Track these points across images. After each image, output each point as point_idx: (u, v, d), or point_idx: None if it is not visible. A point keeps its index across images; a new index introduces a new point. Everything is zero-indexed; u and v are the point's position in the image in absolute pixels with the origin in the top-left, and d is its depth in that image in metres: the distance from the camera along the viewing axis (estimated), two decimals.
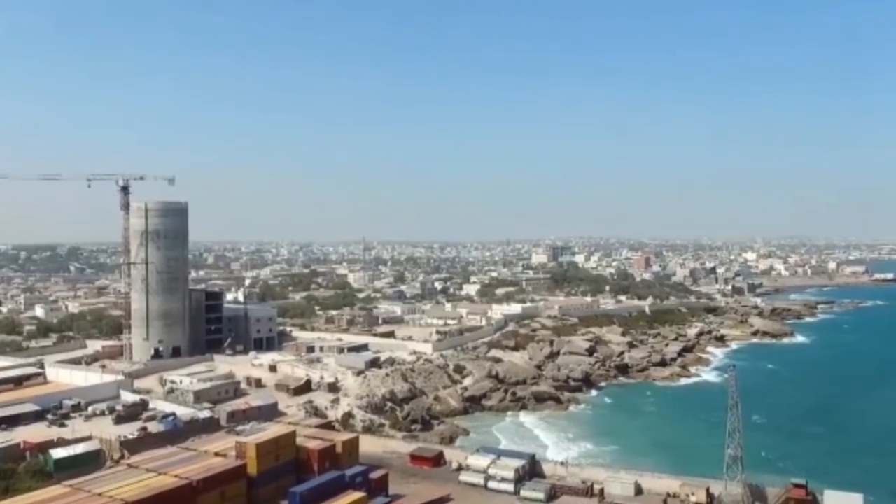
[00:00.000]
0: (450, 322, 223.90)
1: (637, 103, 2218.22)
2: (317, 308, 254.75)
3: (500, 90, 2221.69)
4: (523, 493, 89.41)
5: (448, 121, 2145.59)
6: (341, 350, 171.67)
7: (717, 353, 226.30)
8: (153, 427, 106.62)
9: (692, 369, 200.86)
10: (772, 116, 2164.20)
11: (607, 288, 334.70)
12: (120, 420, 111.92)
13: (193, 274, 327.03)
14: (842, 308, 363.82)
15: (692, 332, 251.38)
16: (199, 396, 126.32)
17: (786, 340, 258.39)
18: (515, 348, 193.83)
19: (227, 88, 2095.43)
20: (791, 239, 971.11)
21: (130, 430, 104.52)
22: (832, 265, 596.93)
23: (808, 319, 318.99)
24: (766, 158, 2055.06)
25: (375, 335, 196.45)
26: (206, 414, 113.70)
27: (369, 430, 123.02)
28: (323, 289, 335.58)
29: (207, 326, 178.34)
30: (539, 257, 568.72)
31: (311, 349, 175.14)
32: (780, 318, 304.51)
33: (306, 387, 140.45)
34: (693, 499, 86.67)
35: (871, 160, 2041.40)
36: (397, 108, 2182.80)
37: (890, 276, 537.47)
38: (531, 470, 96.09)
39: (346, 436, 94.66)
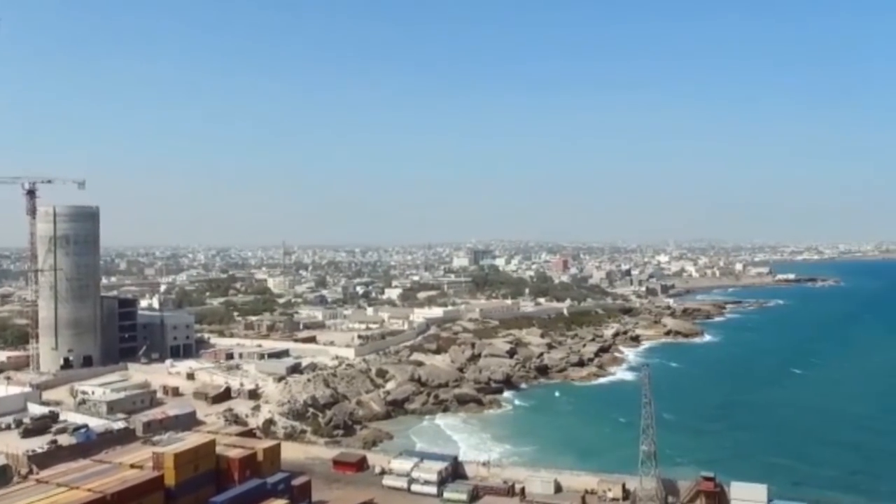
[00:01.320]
0: (372, 326, 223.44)
1: (553, 109, 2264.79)
2: (236, 314, 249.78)
3: (423, 94, 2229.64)
4: (446, 494, 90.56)
5: (368, 124, 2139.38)
6: (261, 356, 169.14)
7: (632, 353, 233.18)
8: (64, 440, 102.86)
9: (608, 369, 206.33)
10: (682, 123, 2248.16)
11: (527, 290, 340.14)
12: (28, 433, 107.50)
13: (105, 280, 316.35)
14: (748, 307, 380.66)
15: (608, 332, 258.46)
16: (113, 407, 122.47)
17: (696, 339, 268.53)
18: (437, 351, 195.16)
19: (137, 91, 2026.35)
20: (701, 241, 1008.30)
21: (39, 444, 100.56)
22: (739, 267, 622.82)
23: (717, 319, 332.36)
24: (676, 164, 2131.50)
25: (296, 341, 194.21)
26: (120, 425, 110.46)
27: (291, 436, 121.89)
28: (242, 294, 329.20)
29: (121, 334, 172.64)
30: (460, 261, 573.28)
31: (230, 356, 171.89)
32: (691, 318, 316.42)
33: (225, 394, 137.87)
34: (610, 494, 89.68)
35: (773, 166, 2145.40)
36: (315, 109, 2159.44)
37: (791, 276, 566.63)
38: (454, 471, 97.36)
39: (268, 443, 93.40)
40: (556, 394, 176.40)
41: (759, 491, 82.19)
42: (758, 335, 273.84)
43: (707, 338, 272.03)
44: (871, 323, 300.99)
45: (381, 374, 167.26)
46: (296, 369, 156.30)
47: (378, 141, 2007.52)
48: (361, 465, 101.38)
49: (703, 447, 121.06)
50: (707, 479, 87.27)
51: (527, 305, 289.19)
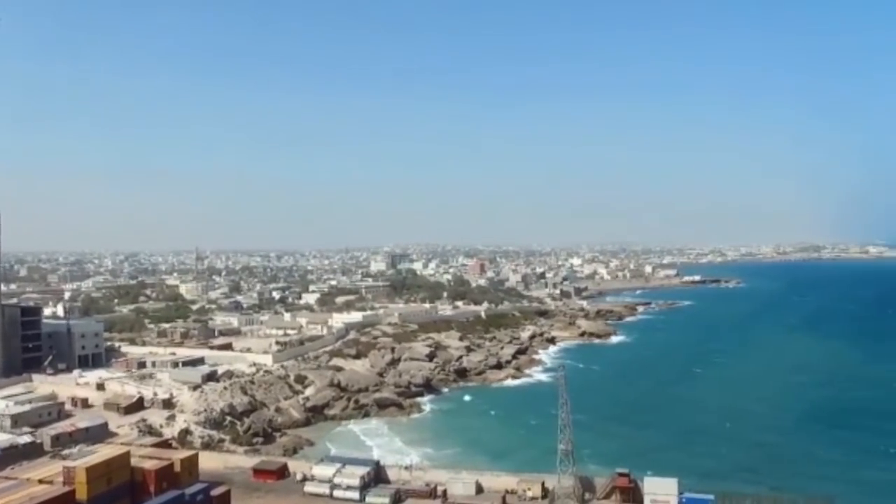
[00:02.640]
0: (290, 332, 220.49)
1: (466, 115, 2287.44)
2: (147, 321, 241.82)
3: (335, 95, 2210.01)
4: (369, 499, 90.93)
5: (281, 126, 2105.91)
6: (176, 364, 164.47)
7: (548, 354, 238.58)
8: None
9: (526, 370, 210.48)
10: (590, 129, 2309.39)
11: (445, 294, 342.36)
12: None
13: (4, 288, 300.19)
14: (657, 308, 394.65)
15: (525, 334, 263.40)
16: (18, 420, 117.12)
17: (609, 340, 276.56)
18: (357, 356, 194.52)
19: (31, 89, 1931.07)
20: (612, 245, 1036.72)
21: None
22: (648, 269, 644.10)
23: (629, 319, 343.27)
24: (588, 169, 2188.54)
25: (212, 348, 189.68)
26: (26, 439, 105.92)
27: (209, 446, 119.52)
28: (153, 301, 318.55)
29: (24, 344, 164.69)
30: (378, 265, 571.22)
31: (142, 365, 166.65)
32: (604, 320, 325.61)
33: (138, 404, 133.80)
34: (530, 493, 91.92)
35: (680, 170, 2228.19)
36: (226, 110, 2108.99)
37: (697, 278, 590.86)
38: (376, 476, 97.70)
39: (185, 453, 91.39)
40: (477, 396, 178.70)
41: (669, 485, 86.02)
42: (666, 335, 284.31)
43: (619, 338, 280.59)
44: (769, 322, 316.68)
45: (300, 380, 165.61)
46: (212, 377, 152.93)
47: (292, 144, 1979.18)
48: (282, 472, 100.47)
49: (618, 445, 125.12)
50: (622, 474, 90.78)
51: (445, 309, 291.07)
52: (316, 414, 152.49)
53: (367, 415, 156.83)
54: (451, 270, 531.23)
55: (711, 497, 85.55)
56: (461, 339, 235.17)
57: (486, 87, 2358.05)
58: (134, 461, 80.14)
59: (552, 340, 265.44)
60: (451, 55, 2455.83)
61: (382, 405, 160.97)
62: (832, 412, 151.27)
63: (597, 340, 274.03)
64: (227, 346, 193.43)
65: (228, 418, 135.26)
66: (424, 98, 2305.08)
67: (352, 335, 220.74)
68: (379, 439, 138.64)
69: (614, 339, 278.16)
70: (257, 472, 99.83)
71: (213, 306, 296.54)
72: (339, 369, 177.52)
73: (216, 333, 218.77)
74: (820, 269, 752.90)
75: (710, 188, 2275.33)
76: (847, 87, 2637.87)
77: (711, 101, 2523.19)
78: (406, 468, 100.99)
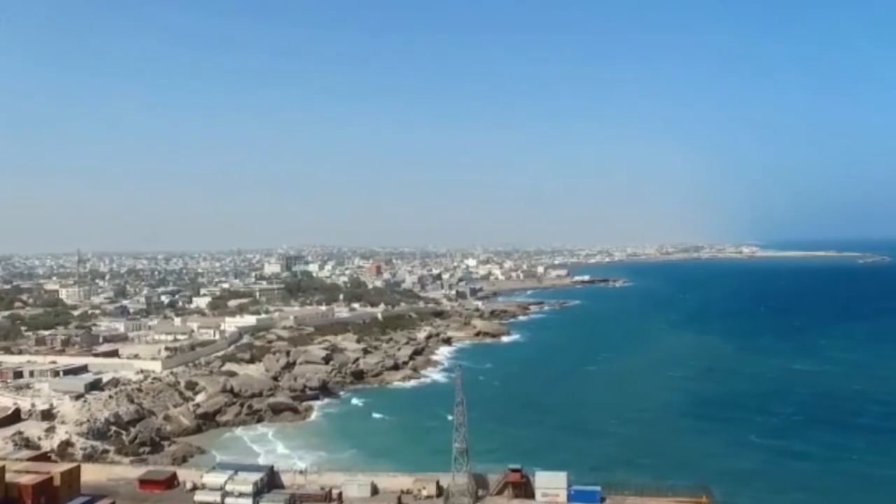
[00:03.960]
0: (180, 337, 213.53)
1: (357, 114, 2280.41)
2: (24, 328, 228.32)
3: (224, 93, 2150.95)
4: None
5: (170, 121, 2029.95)
6: (56, 373, 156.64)
7: (444, 355, 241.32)
8: None
9: (423, 371, 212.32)
10: (481, 131, 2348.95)
11: (341, 296, 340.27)
12: None
13: None
14: (549, 307, 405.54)
15: (422, 335, 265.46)
16: None
17: (503, 339, 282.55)
18: (251, 361, 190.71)
19: None
20: (506, 246, 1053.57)
21: None
22: (540, 269, 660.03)
23: (522, 319, 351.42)
24: (480, 170, 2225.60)
25: (96, 355, 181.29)
26: None
27: (91, 457, 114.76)
28: (30, 307, 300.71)
29: None
30: (272, 267, 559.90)
31: (18, 374, 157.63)
32: (498, 319, 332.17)
33: (14, 416, 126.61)
34: (425, 493, 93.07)
35: (571, 171, 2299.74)
36: (109, 105, 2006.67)
37: (587, 277, 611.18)
38: (270, 482, 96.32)
39: (65, 466, 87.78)
40: (374, 397, 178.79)
41: (559, 478, 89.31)
42: (557, 333, 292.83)
43: (513, 337, 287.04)
44: (653, 319, 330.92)
45: (191, 386, 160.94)
46: (96, 386, 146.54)
47: (177, 140, 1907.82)
48: (171, 482, 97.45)
49: (511, 441, 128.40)
50: (514, 470, 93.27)
51: (342, 311, 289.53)
52: (207, 421, 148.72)
53: (261, 420, 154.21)
54: (347, 272, 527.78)
55: (598, 488, 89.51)
56: (358, 341, 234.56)
57: (375, 85, 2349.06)
58: (9, 476, 76.56)
59: (448, 341, 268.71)
60: (341, 54, 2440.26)
61: (277, 410, 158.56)
62: (708, 405, 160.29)
63: (491, 340, 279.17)
64: (113, 353, 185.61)
65: (113, 428, 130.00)
66: (318, 93, 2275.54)
67: (245, 339, 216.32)
68: (273, 444, 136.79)
69: (508, 339, 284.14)
70: (144, 482, 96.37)
71: (97, 312, 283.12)
72: (232, 374, 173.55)
73: (101, 340, 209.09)
74: (699, 268, 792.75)
75: (600, 190, 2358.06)
76: (729, 98, 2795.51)
77: (609, 105, 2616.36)
78: (301, 472, 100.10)
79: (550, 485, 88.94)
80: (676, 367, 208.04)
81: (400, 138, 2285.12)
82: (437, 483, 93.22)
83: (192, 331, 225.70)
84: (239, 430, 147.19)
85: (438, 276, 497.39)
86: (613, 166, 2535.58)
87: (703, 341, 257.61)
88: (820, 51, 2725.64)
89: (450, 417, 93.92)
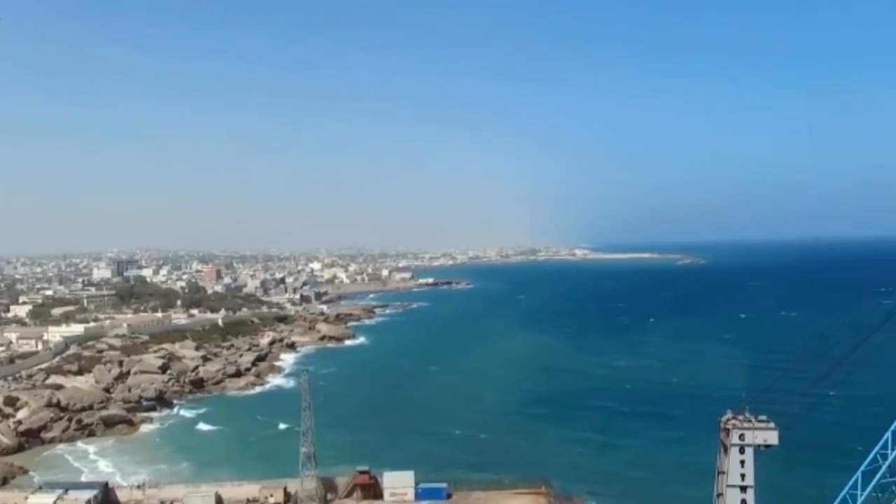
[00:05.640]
0: None
1: (197, 108, 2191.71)
2: None
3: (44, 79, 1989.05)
4: None
5: None
6: None
7: (289, 360, 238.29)
8: None
9: (266, 377, 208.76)
10: (324, 135, 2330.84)
11: (179, 302, 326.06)
12: None
13: None
14: (394, 310, 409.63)
15: (265, 341, 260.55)
16: None
17: (349, 342, 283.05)
18: (80, 372, 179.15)
19: None
20: (350, 249, 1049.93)
21: None
22: (385, 272, 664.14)
23: (367, 322, 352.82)
24: (324, 174, 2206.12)
25: None
26: None
27: None
28: None
29: None
30: (102, 272, 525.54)
31: None
32: (344, 323, 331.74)
33: None
34: (272, 500, 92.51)
35: (414, 176, 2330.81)
36: None
37: (431, 280, 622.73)
38: (105, 499, 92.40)
39: None
40: (214, 406, 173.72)
41: (407, 477, 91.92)
42: (402, 336, 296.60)
43: (358, 341, 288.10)
44: (494, 320, 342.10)
45: (11, 402, 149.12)
46: None
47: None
48: None
49: (359, 444, 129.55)
50: (362, 472, 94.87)
51: (179, 318, 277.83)
52: (31, 438, 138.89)
53: (92, 434, 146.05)
54: (184, 277, 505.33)
55: (444, 485, 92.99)
56: (197, 348, 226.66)
57: (205, 80, 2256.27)
58: None
59: (293, 346, 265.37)
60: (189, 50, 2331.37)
61: (110, 423, 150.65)
62: (544, 402, 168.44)
63: (337, 344, 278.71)
64: None
65: None
66: (154, 89, 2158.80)
67: (73, 350, 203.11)
68: (106, 459, 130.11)
69: (354, 342, 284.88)
70: None
71: None
72: (58, 387, 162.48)
73: None
74: (536, 270, 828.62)
75: (443, 195, 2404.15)
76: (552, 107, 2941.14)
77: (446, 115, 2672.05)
78: (138, 487, 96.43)
79: (398, 484, 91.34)
80: (514, 367, 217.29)
81: (237, 136, 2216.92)
82: (285, 489, 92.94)
83: (11, 342, 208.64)
84: (64, 447, 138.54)
85: (282, 280, 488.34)
86: (457, 171, 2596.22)
87: (539, 341, 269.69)
88: (648, 64, 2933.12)
89: (296, 423, 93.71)
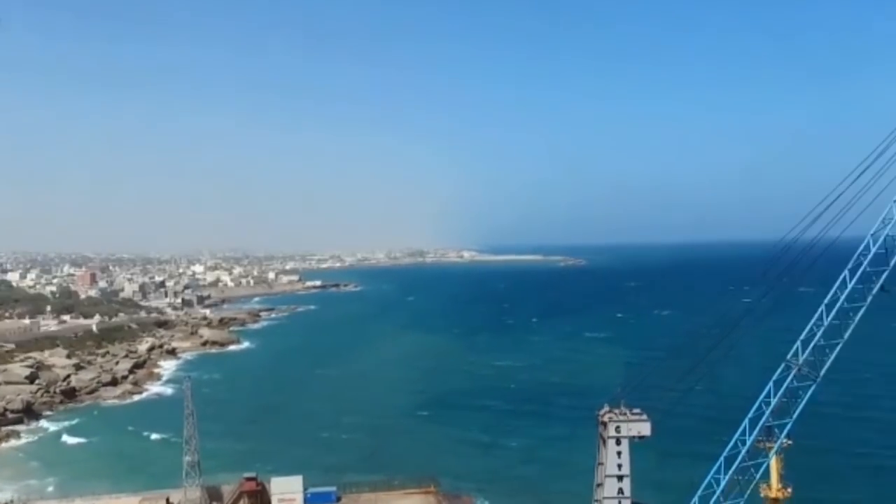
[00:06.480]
0: None
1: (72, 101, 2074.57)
2: None
3: None
4: None
5: None
6: None
7: (169, 367, 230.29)
8: None
9: (145, 385, 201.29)
10: (216, 133, 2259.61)
11: (49, 308, 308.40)
12: None
13: None
14: (281, 314, 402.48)
15: (143, 347, 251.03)
16: None
17: (233, 347, 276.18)
18: None
19: None
20: (235, 251, 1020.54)
21: None
22: (272, 275, 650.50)
23: (253, 326, 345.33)
24: (209, 173, 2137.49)
25: None
26: None
27: None
28: None
29: None
30: None
31: None
32: (228, 328, 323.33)
33: None
34: None
35: (300, 177, 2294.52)
36: None
37: (319, 283, 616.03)
38: None
39: None
40: (87, 417, 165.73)
41: (295, 482, 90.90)
42: (290, 339, 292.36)
43: (243, 345, 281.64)
44: (383, 321, 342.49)
45: None
46: None
47: None
48: None
49: (246, 451, 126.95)
50: (249, 479, 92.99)
51: (49, 324, 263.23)
52: None
53: None
54: (55, 281, 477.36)
55: (334, 489, 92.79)
56: (69, 356, 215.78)
57: (81, 72, 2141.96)
58: None
59: (173, 352, 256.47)
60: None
61: None
62: (432, 403, 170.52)
63: (220, 349, 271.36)
64: None
65: None
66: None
67: None
68: None
69: (238, 347, 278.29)
70: None
71: None
72: None
73: None
74: (425, 272, 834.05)
75: (331, 197, 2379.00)
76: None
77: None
78: None
79: (286, 490, 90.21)
80: (403, 369, 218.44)
81: (118, 130, 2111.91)
82: (168, 500, 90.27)
83: None
84: None
85: (162, 284, 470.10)
86: (345, 171, 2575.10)
87: (427, 342, 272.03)
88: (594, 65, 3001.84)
89: (176, 432, 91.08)
